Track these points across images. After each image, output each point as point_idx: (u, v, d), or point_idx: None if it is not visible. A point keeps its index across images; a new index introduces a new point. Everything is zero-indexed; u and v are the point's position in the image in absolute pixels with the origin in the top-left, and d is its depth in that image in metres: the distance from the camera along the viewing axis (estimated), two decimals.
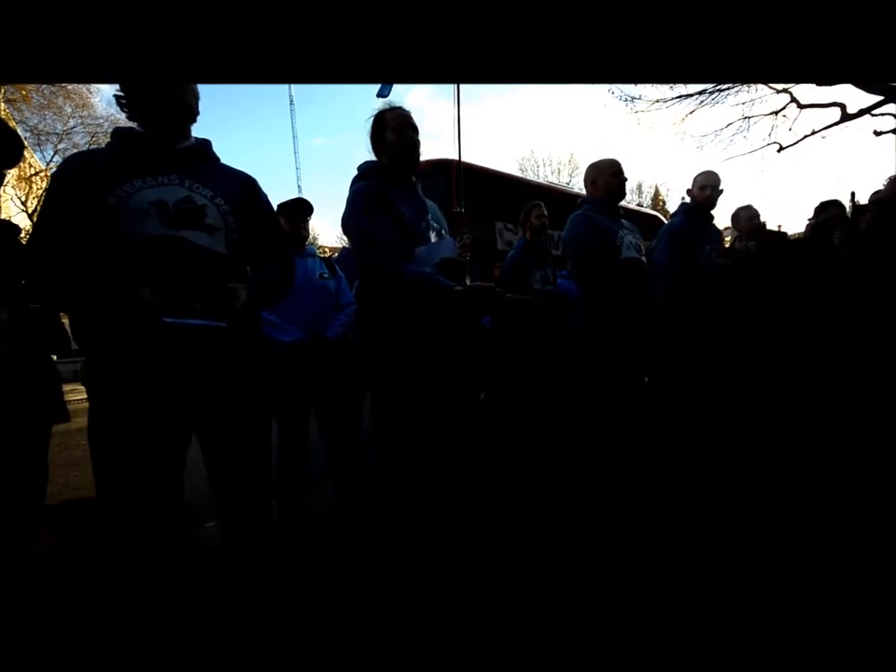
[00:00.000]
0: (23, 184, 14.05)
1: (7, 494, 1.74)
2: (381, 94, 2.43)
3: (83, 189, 1.16)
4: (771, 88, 10.13)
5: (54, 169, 10.38)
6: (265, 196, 1.46)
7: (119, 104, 1.27)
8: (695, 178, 2.85)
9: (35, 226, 1.24)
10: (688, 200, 2.91)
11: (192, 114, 1.31)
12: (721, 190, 2.82)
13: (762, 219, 3.39)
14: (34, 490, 1.87)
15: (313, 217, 2.40)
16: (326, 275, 2.37)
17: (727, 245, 3.59)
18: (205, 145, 1.36)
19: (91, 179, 1.17)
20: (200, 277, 1.21)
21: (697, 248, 2.71)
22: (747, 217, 3.37)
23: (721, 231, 3.36)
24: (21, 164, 13.91)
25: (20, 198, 13.89)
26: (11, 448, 1.74)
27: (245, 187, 1.39)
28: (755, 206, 3.38)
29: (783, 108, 10.49)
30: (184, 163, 1.27)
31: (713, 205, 2.83)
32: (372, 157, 1.83)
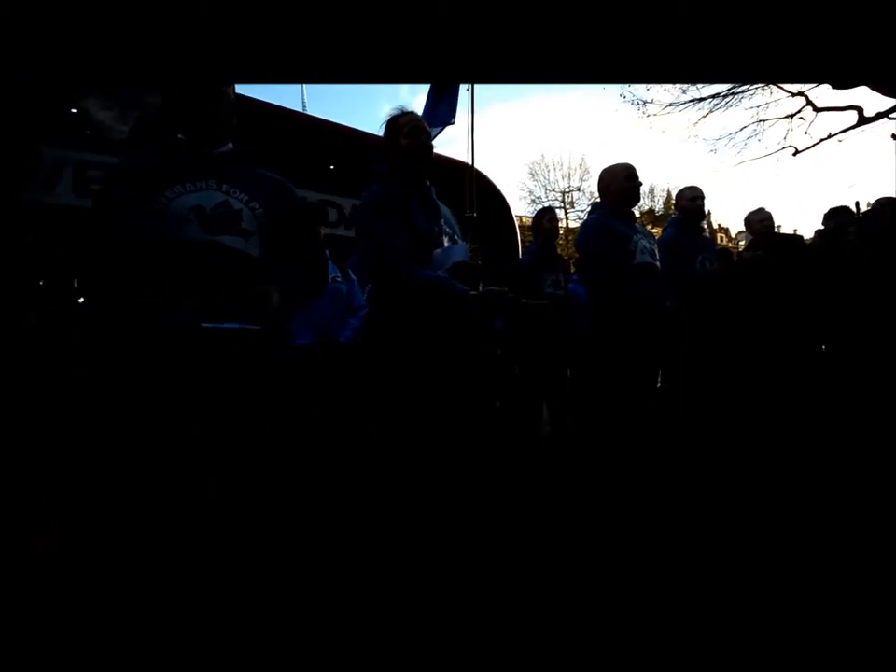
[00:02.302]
0: None
1: (7, 492, 1.75)
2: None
3: (128, 194, 1.21)
4: (786, 91, 10.02)
5: None
6: (300, 201, 1.49)
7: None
8: (682, 192, 3.00)
9: (82, 230, 1.28)
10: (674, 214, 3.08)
11: (227, 127, 1.35)
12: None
13: (775, 223, 3.38)
14: (34, 489, 1.88)
15: None
16: (338, 279, 2.39)
17: (740, 250, 3.60)
18: (242, 150, 1.40)
19: (135, 185, 1.22)
20: (235, 281, 1.24)
21: (691, 258, 2.83)
22: (758, 221, 3.35)
23: (713, 240, 3.56)
24: None
25: None
26: (12, 447, 1.75)
27: (279, 191, 1.42)
28: (768, 209, 3.36)
29: (799, 111, 10.35)
30: (221, 168, 1.31)
31: (703, 216, 3.02)
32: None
